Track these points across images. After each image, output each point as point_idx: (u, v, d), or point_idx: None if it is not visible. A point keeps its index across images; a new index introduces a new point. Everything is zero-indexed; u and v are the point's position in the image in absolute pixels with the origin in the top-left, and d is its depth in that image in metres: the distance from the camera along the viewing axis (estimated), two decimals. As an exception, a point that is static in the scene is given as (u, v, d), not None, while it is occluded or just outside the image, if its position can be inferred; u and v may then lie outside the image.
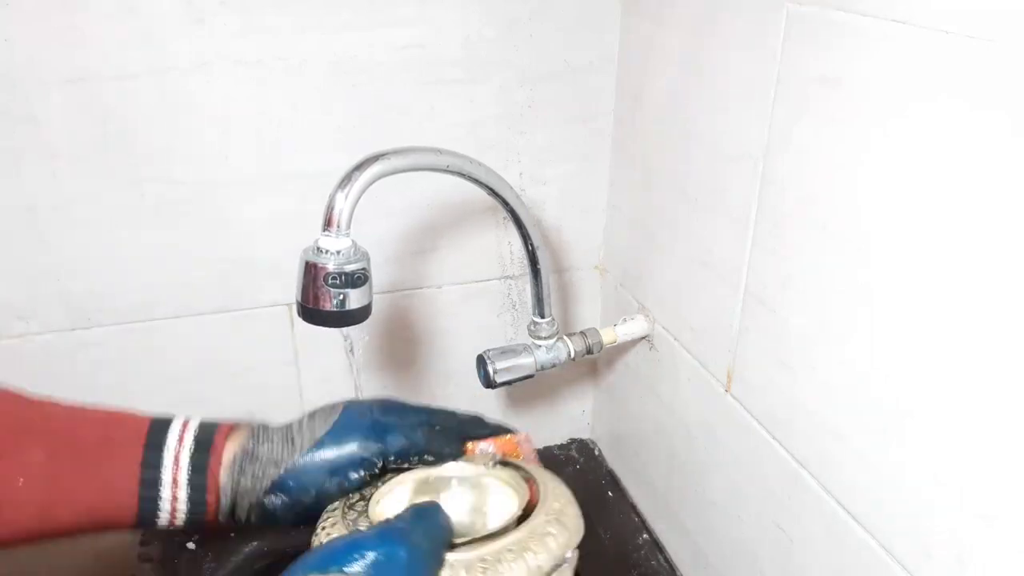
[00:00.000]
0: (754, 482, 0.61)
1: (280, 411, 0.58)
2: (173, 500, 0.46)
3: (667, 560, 0.78)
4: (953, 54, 0.37)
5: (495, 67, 0.72)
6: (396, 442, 0.50)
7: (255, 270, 0.74)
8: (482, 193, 0.62)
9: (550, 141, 0.77)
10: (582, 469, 0.92)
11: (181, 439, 0.48)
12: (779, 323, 0.54)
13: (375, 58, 0.69)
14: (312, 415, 0.52)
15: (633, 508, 0.85)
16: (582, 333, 0.74)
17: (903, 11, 0.40)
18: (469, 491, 0.53)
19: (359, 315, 0.54)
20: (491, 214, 0.79)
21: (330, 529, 0.46)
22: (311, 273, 0.52)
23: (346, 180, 0.53)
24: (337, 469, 0.49)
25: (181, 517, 0.47)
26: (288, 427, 0.51)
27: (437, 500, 0.47)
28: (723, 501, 0.66)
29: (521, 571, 0.42)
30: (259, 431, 0.50)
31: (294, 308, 0.57)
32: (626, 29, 0.73)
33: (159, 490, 0.46)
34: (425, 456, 0.52)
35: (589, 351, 0.74)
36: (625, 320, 0.76)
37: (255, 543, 0.75)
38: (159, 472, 0.46)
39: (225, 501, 0.48)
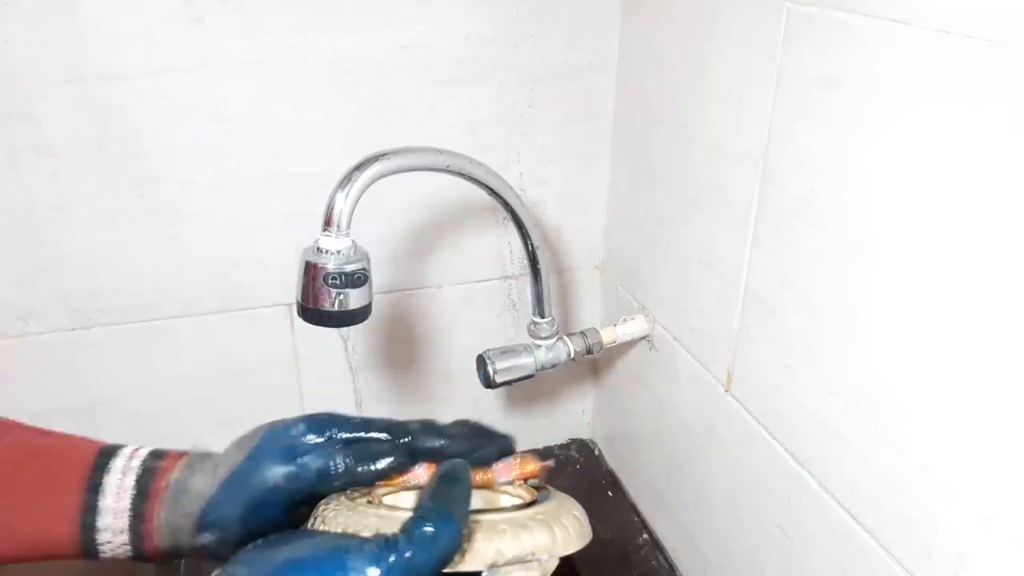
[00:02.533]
0: (754, 482, 0.61)
1: (280, 411, 0.57)
2: (112, 539, 0.43)
3: (667, 560, 0.78)
4: (953, 54, 0.37)
5: (495, 67, 0.72)
6: (313, 465, 0.43)
7: (255, 270, 0.74)
8: (482, 193, 0.62)
9: (550, 141, 0.77)
10: (582, 469, 0.92)
11: (124, 474, 0.44)
12: (779, 323, 0.54)
13: (375, 58, 0.69)
14: (239, 441, 0.46)
15: (633, 508, 0.85)
16: (582, 333, 0.74)
17: (903, 11, 0.40)
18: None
19: (359, 315, 0.54)
20: (491, 214, 0.79)
21: (330, 523, 0.42)
22: (311, 273, 0.52)
23: (346, 180, 0.52)
24: (256, 502, 0.43)
25: (126, 553, 0.44)
26: (219, 454, 0.46)
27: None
28: (723, 501, 0.66)
29: (547, 541, 0.40)
30: (195, 460, 0.46)
31: (294, 308, 0.57)
32: (626, 29, 0.73)
33: (98, 533, 0.43)
34: (355, 478, 0.44)
35: (589, 351, 0.74)
36: (625, 320, 0.76)
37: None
38: (96, 517, 0.43)
39: (161, 541, 0.44)
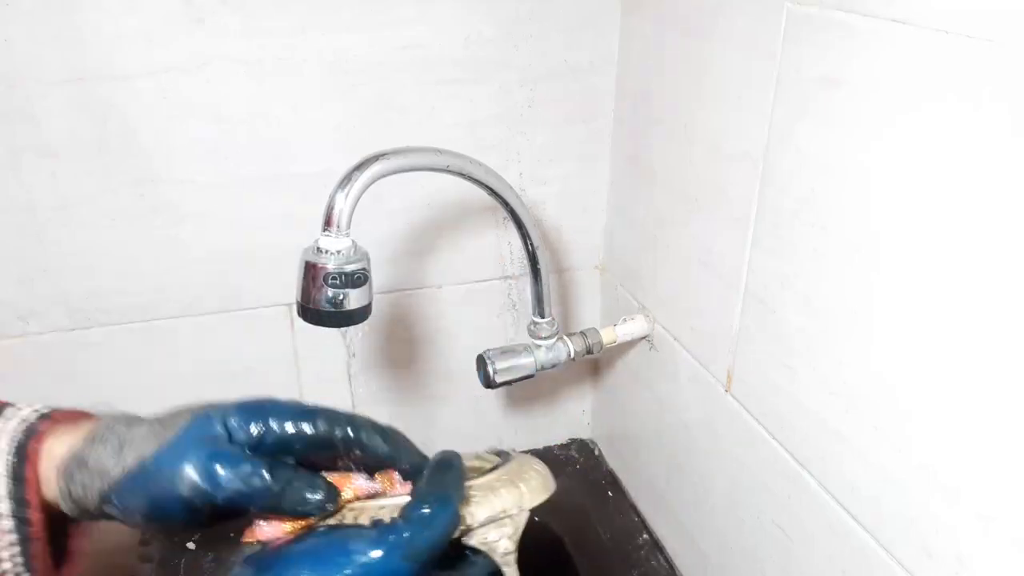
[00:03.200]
0: (754, 482, 0.61)
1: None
2: None
3: (667, 560, 0.78)
4: (953, 54, 0.37)
5: (495, 67, 0.72)
6: (229, 486, 0.38)
7: (255, 270, 0.74)
8: (482, 193, 0.62)
9: (550, 141, 0.77)
10: (582, 469, 0.92)
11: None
12: (779, 323, 0.54)
13: (375, 58, 0.69)
14: (159, 420, 0.42)
15: (633, 508, 0.85)
16: (582, 333, 0.74)
17: (902, 11, 0.40)
18: None
19: (359, 315, 0.54)
20: (491, 214, 0.79)
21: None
22: (311, 273, 0.52)
23: (346, 180, 0.52)
24: (162, 505, 0.38)
25: (8, 528, 0.40)
26: (129, 428, 0.41)
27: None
28: (723, 501, 0.66)
29: (515, 497, 0.41)
30: (100, 431, 0.41)
31: (294, 308, 0.57)
32: (626, 29, 0.73)
33: None
34: (276, 507, 0.39)
35: (589, 351, 0.74)
36: (625, 320, 0.76)
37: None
38: None
39: (63, 506, 0.40)
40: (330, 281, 0.52)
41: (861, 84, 0.44)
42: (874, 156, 0.43)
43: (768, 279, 0.55)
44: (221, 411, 0.41)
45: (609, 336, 0.75)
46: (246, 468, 0.38)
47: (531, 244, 0.67)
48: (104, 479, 0.39)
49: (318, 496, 0.39)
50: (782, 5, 0.49)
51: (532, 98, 0.75)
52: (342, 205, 0.52)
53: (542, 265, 0.69)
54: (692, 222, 0.65)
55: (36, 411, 0.43)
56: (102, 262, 0.70)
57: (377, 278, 0.56)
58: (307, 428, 0.41)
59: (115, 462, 0.39)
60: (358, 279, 0.52)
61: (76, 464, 0.40)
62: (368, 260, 0.54)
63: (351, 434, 0.41)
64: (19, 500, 0.40)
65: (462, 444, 0.55)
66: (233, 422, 0.40)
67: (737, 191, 0.57)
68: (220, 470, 0.38)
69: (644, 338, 0.76)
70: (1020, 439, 0.37)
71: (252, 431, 0.40)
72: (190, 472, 0.38)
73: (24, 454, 0.40)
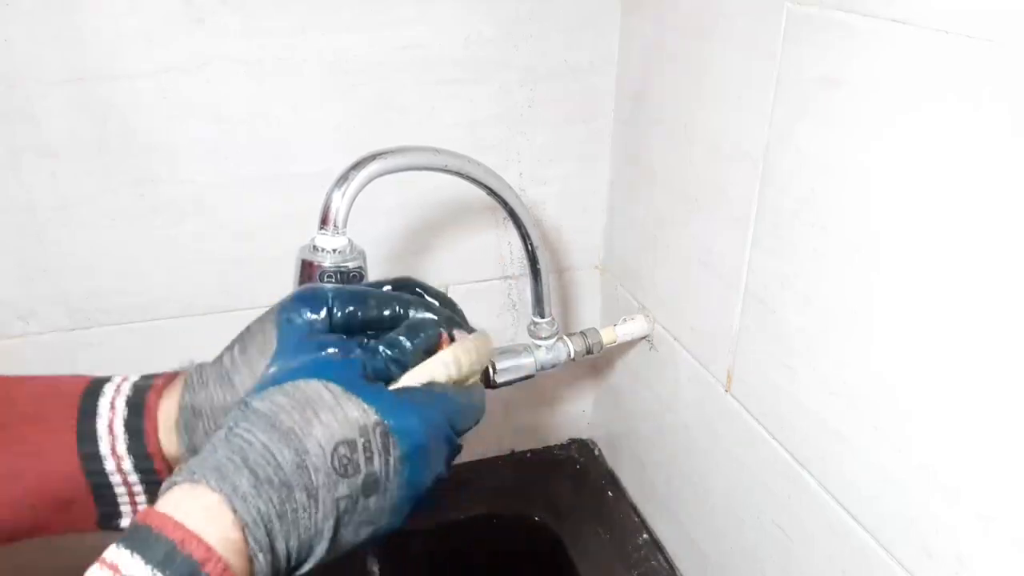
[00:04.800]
0: (754, 482, 0.61)
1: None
2: (121, 476, 0.41)
3: (667, 560, 0.78)
4: (953, 54, 0.37)
5: (495, 67, 0.72)
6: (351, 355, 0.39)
7: (255, 270, 0.74)
8: (482, 193, 0.62)
9: (550, 141, 0.77)
10: (582, 469, 0.92)
11: (113, 405, 0.41)
12: (779, 323, 0.54)
13: (375, 58, 0.69)
14: (243, 341, 0.43)
15: (633, 508, 0.85)
16: (582, 333, 0.74)
17: (902, 11, 0.40)
18: None
19: (357, 314, 0.54)
20: (491, 214, 0.79)
21: None
22: (307, 271, 0.52)
23: (343, 179, 0.52)
24: None
25: (142, 498, 0.42)
26: (220, 362, 0.43)
27: None
28: (723, 501, 0.66)
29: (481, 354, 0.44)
30: (193, 379, 0.43)
31: (294, 308, 0.57)
32: (626, 29, 0.73)
33: (102, 464, 0.40)
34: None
35: (589, 351, 0.74)
36: (625, 320, 0.76)
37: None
38: (96, 446, 0.41)
39: (175, 462, 0.41)
40: (326, 279, 0.52)
41: (861, 84, 0.44)
42: (874, 156, 0.43)
43: (768, 279, 0.55)
44: (300, 305, 0.42)
45: (609, 336, 0.75)
46: (353, 344, 0.40)
47: (531, 244, 0.67)
48: (224, 415, 0.39)
49: (425, 336, 0.42)
50: (782, 5, 0.49)
51: (532, 98, 0.75)
52: (339, 204, 0.52)
53: (542, 265, 0.69)
54: (692, 222, 0.65)
55: (143, 376, 0.44)
56: (102, 262, 0.70)
57: (375, 277, 0.55)
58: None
59: (231, 394, 0.40)
60: (354, 277, 0.52)
61: (191, 415, 0.41)
62: (364, 259, 0.54)
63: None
64: (140, 455, 0.40)
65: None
66: (322, 317, 0.42)
67: (737, 191, 0.57)
68: (330, 350, 0.39)
69: (644, 338, 0.76)
70: (1020, 439, 0.37)
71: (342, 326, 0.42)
72: (308, 364, 0.38)
73: (141, 411, 0.41)
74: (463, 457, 0.45)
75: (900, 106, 0.41)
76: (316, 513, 0.35)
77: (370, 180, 0.53)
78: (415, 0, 0.68)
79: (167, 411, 0.42)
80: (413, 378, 0.41)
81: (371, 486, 0.36)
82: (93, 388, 0.43)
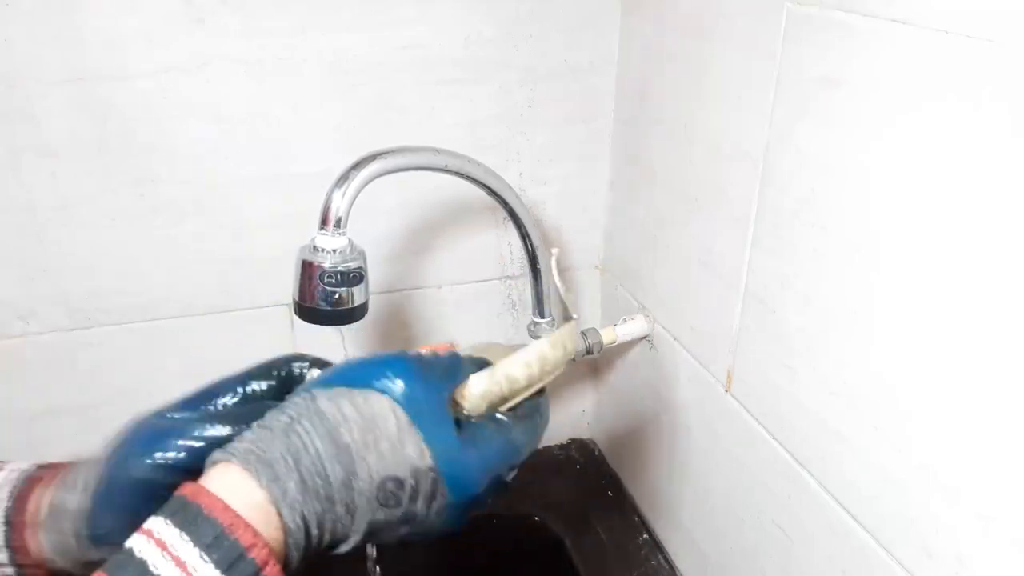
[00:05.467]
0: (754, 482, 0.61)
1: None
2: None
3: (667, 560, 0.78)
4: (953, 54, 0.37)
5: (495, 67, 0.72)
6: (185, 444, 0.39)
7: (255, 270, 0.74)
8: (482, 193, 0.62)
9: (550, 141, 0.77)
10: (582, 469, 0.92)
11: None
12: (779, 323, 0.54)
13: (375, 58, 0.69)
14: (106, 443, 0.40)
15: (633, 508, 0.85)
16: (582, 333, 0.74)
17: (902, 11, 0.40)
18: None
19: (356, 313, 0.54)
20: (491, 214, 0.79)
21: None
22: (307, 271, 0.52)
23: (343, 179, 0.53)
24: (135, 503, 0.37)
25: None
26: (86, 463, 0.40)
27: None
28: (723, 501, 0.66)
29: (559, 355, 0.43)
30: (69, 475, 0.40)
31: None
32: (626, 29, 0.73)
33: None
34: None
35: (589, 351, 0.74)
36: (625, 320, 0.76)
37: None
38: None
39: (48, 558, 0.40)
40: (326, 279, 0.52)
41: (861, 84, 0.44)
42: (874, 156, 0.43)
43: (768, 279, 0.55)
44: (160, 407, 0.41)
45: (609, 336, 0.75)
46: (201, 425, 0.39)
47: (531, 244, 0.67)
48: (79, 518, 0.38)
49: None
50: (782, 5, 0.49)
51: (532, 98, 0.75)
52: (339, 204, 0.52)
53: (542, 265, 0.69)
54: (692, 222, 0.65)
55: (35, 464, 0.43)
56: (102, 262, 0.70)
57: (376, 278, 0.56)
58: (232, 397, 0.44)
59: (82, 497, 0.39)
60: (354, 277, 0.53)
61: (59, 512, 0.40)
62: (364, 259, 0.54)
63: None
64: (13, 547, 0.40)
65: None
66: (172, 406, 0.41)
67: (737, 191, 0.57)
68: (176, 439, 0.38)
69: (644, 338, 0.76)
70: (1020, 439, 0.37)
71: (194, 411, 0.41)
72: (143, 455, 0.38)
73: (14, 502, 0.40)
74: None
75: (900, 106, 0.41)
76: (351, 525, 0.36)
77: (370, 180, 0.53)
78: (415, 0, 0.68)
79: (41, 506, 0.41)
80: (490, 378, 0.41)
81: (409, 519, 0.38)
82: None
